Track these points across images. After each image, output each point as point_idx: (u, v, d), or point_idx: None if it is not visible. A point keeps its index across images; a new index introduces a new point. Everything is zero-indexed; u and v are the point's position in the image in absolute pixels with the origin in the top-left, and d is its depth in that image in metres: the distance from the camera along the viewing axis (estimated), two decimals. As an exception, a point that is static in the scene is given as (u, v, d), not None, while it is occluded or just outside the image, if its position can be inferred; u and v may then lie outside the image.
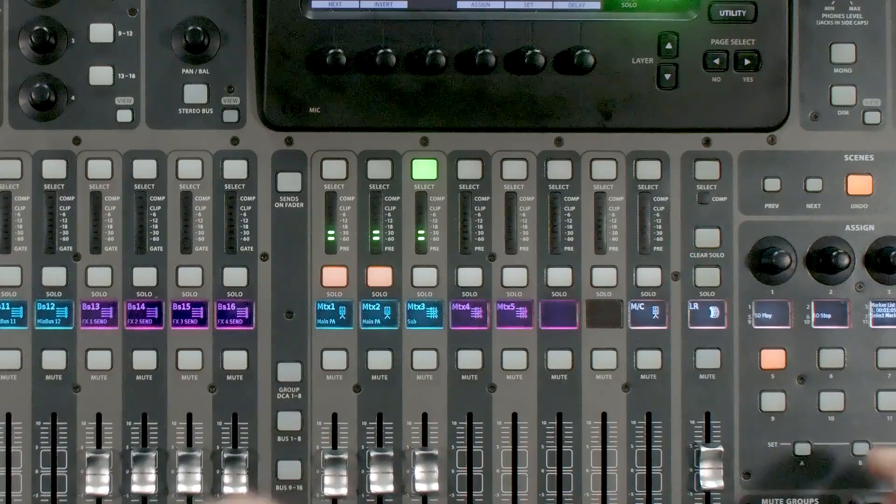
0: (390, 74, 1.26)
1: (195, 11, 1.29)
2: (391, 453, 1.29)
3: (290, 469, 1.29)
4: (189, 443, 1.29)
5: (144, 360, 1.29)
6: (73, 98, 1.29)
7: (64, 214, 1.29)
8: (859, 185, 1.32)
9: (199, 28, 1.27)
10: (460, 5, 1.27)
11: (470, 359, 1.30)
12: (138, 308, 1.29)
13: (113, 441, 1.28)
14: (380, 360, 1.30)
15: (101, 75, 1.29)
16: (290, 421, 1.30)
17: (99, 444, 1.29)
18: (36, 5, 1.28)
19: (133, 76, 1.29)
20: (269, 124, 1.28)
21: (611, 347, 1.31)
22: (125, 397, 1.29)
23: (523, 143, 1.31)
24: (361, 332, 1.30)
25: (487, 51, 1.25)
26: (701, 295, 1.31)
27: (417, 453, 1.29)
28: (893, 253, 1.30)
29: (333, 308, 1.30)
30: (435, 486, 1.29)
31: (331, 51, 1.25)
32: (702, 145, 1.32)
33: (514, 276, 1.31)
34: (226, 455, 1.28)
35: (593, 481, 1.30)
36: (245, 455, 1.28)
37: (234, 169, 1.30)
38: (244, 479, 1.28)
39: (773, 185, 1.32)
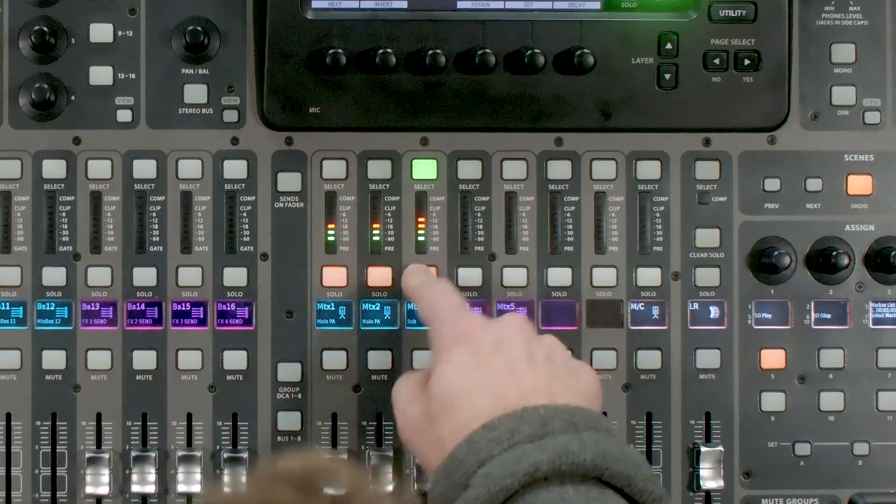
0: (390, 74, 1.26)
1: (195, 11, 1.29)
2: (391, 453, 1.29)
3: (290, 469, 1.29)
4: (189, 443, 1.29)
5: (144, 360, 1.29)
6: (73, 98, 1.29)
7: (64, 214, 1.29)
8: (859, 185, 1.32)
9: (199, 28, 1.27)
10: (460, 5, 1.27)
11: (470, 359, 1.30)
12: (138, 308, 1.29)
13: (113, 441, 1.28)
14: (380, 360, 1.30)
15: (101, 75, 1.29)
16: (290, 421, 1.29)
17: (99, 444, 1.29)
18: (36, 5, 1.28)
19: (133, 76, 1.29)
20: (269, 124, 1.28)
21: (611, 347, 1.31)
22: (125, 397, 1.29)
23: (523, 143, 1.31)
24: (361, 332, 1.30)
25: (487, 51, 1.25)
26: (701, 295, 1.31)
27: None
28: (893, 253, 1.30)
29: (333, 308, 1.30)
30: (435, 486, 1.29)
31: (331, 51, 1.25)
32: (702, 145, 1.32)
33: (514, 276, 1.31)
34: (226, 455, 1.28)
35: (593, 481, 1.30)
36: (245, 455, 1.28)
37: (234, 169, 1.30)
38: (244, 479, 1.28)
39: (773, 185, 1.32)
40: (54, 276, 1.28)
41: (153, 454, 1.28)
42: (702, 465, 1.30)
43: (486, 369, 1.13)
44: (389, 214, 1.30)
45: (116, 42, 1.29)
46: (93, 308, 1.29)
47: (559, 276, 1.31)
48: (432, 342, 1.19)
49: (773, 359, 1.32)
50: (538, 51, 1.25)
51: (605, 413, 1.30)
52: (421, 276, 1.26)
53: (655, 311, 1.31)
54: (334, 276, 1.30)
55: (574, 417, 1.08)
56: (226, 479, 1.28)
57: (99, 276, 1.29)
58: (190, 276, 1.29)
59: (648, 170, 1.32)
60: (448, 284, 1.24)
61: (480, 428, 1.07)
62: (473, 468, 1.06)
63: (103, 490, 1.28)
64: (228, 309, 1.29)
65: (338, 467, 0.88)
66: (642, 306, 1.31)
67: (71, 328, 1.29)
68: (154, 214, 1.29)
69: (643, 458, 1.08)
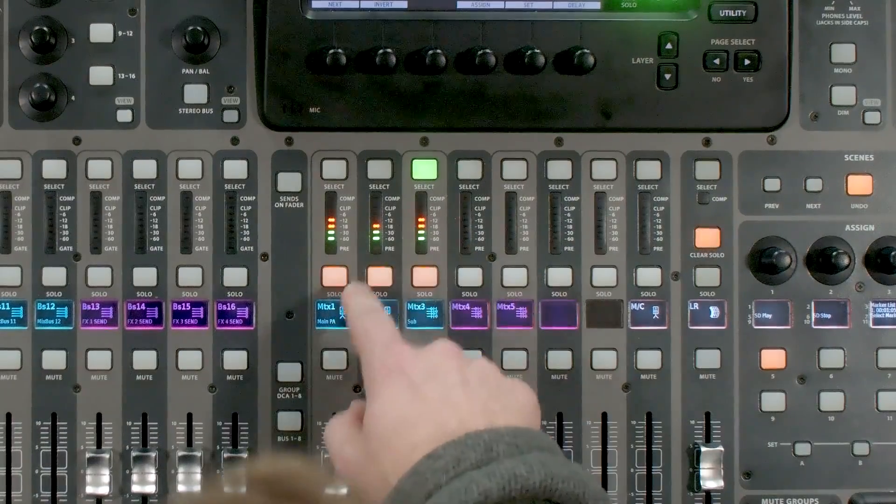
0: (390, 74, 1.26)
1: (195, 11, 1.29)
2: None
3: (290, 469, 1.29)
4: (189, 443, 1.29)
5: (144, 360, 1.29)
6: (73, 98, 1.29)
7: (64, 214, 1.29)
8: (859, 185, 1.32)
9: (199, 28, 1.27)
10: (460, 5, 1.27)
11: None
12: (138, 308, 1.29)
13: (113, 441, 1.28)
14: (380, 360, 1.29)
15: (101, 75, 1.29)
16: (290, 421, 1.30)
17: (99, 444, 1.29)
18: (36, 5, 1.28)
19: (133, 76, 1.29)
20: (269, 124, 1.28)
21: (611, 347, 1.31)
22: (125, 397, 1.29)
23: (523, 143, 1.31)
24: (361, 332, 1.30)
25: (487, 51, 1.25)
26: (701, 295, 1.31)
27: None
28: (893, 253, 1.30)
29: (333, 308, 1.30)
30: (435, 486, 1.29)
31: (331, 51, 1.25)
32: (702, 145, 1.32)
33: (514, 276, 1.31)
34: (226, 455, 1.28)
35: (593, 481, 1.30)
36: (245, 455, 1.28)
37: (234, 169, 1.30)
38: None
39: (773, 185, 1.32)
40: (54, 276, 1.28)
41: (153, 454, 1.28)
42: (702, 465, 1.30)
43: (421, 399, 1.11)
44: (389, 214, 1.30)
45: (116, 42, 1.29)
46: (93, 308, 1.29)
47: (559, 276, 1.31)
48: (364, 375, 1.17)
49: (773, 359, 1.32)
50: (538, 51, 1.25)
51: (604, 413, 1.30)
52: (360, 299, 1.24)
53: (655, 311, 1.31)
54: (334, 276, 1.30)
55: (517, 439, 1.06)
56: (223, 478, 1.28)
57: (99, 276, 1.29)
58: (190, 276, 1.29)
59: (648, 170, 1.32)
60: (384, 315, 1.22)
61: (425, 458, 1.05)
62: (421, 500, 1.03)
63: (103, 490, 1.28)
64: (228, 309, 1.29)
65: (308, 472, 0.88)
66: (642, 306, 1.31)
67: (71, 328, 1.29)
68: (154, 214, 1.29)
69: (590, 476, 1.07)
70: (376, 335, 1.18)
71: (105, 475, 1.28)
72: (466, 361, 1.15)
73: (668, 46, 1.28)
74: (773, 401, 1.31)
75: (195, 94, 1.29)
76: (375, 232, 1.30)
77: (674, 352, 1.31)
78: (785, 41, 1.29)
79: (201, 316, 1.29)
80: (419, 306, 1.30)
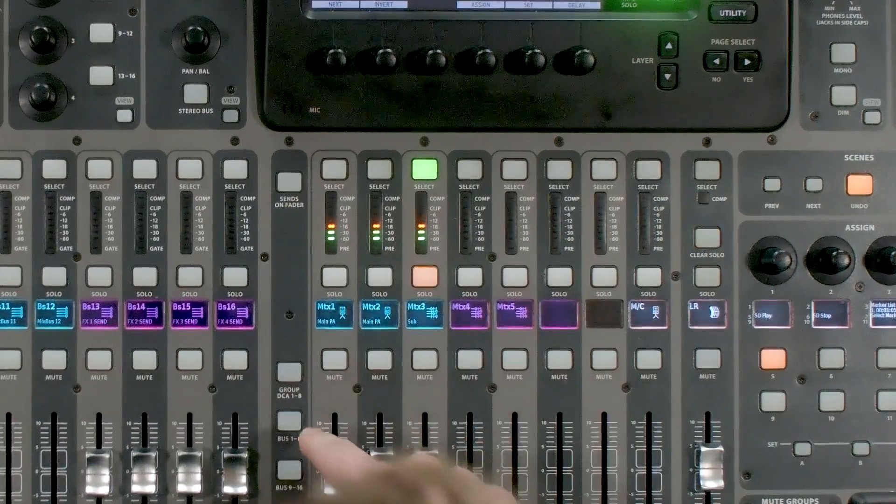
0: (390, 74, 1.26)
1: (195, 11, 1.29)
2: (391, 453, 1.29)
3: (290, 469, 1.29)
4: (189, 443, 1.29)
5: (144, 360, 1.29)
6: (73, 98, 1.29)
7: (64, 214, 1.29)
8: (859, 185, 1.33)
9: (199, 28, 1.28)
10: (460, 5, 1.27)
11: (470, 359, 1.30)
12: (138, 308, 1.29)
13: (113, 441, 1.29)
14: (380, 360, 1.30)
15: (101, 75, 1.29)
16: (290, 421, 1.30)
17: (99, 444, 1.29)
18: (36, 5, 1.28)
19: (133, 76, 1.29)
20: (269, 124, 1.28)
21: (611, 347, 1.31)
22: (125, 397, 1.29)
23: (523, 143, 1.31)
24: (361, 332, 1.30)
25: (487, 51, 1.25)
26: (701, 295, 1.32)
27: (418, 453, 1.29)
28: (893, 253, 1.30)
29: (333, 308, 1.30)
30: (435, 486, 1.29)
31: (331, 51, 1.25)
32: (702, 145, 1.32)
33: (514, 276, 1.31)
34: (226, 455, 1.28)
35: (593, 481, 1.30)
36: (245, 455, 1.28)
37: (234, 169, 1.30)
38: (244, 479, 1.28)
39: (773, 185, 1.32)
40: (54, 276, 1.28)
41: (153, 454, 1.28)
42: (702, 465, 1.30)
43: None
44: (389, 214, 1.30)
45: (116, 42, 1.29)
46: (93, 308, 1.29)
47: (559, 276, 1.31)
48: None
49: (773, 359, 1.32)
50: (538, 51, 1.25)
51: (604, 413, 1.30)
52: (321, 437, 1.23)
53: (655, 311, 1.31)
54: (334, 276, 1.30)
55: None
56: (225, 479, 1.28)
57: (99, 276, 1.29)
58: (190, 276, 1.29)
59: (648, 170, 1.32)
60: (351, 443, 1.22)
61: None
62: None
63: (103, 490, 1.28)
64: (228, 309, 1.29)
65: (446, 470, 0.86)
66: (642, 306, 1.31)
67: (71, 328, 1.29)
68: (154, 214, 1.29)
69: None
70: (351, 461, 1.17)
71: (105, 475, 1.28)
72: (445, 472, 1.13)
73: (668, 46, 1.28)
74: (773, 401, 1.31)
75: (195, 94, 1.29)
76: (375, 232, 1.30)
77: (674, 352, 1.31)
78: (785, 41, 1.29)
79: (201, 316, 1.29)
80: (419, 306, 1.30)
